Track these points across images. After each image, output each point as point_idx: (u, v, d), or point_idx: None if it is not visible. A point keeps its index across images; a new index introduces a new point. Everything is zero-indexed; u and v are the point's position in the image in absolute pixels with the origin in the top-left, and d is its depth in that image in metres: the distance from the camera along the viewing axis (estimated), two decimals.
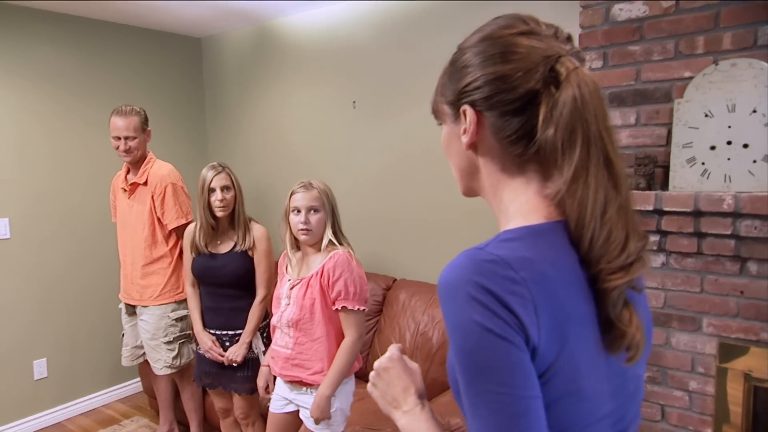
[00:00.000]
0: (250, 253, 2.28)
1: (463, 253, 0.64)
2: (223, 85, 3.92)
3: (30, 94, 3.05)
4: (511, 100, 0.69)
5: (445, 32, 2.78)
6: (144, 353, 2.74)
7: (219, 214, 2.22)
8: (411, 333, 2.71)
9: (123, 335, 2.82)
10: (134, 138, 2.55)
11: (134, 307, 2.71)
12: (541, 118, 0.67)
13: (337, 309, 1.83)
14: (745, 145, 1.64)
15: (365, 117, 3.18)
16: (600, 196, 0.65)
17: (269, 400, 2.04)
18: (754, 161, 1.63)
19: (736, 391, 1.80)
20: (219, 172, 2.24)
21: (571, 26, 2.20)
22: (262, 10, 3.30)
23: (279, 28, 3.52)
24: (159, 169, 2.62)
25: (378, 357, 2.74)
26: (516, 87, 0.68)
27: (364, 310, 1.84)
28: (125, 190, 2.64)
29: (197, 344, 2.35)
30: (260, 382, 2.08)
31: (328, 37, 3.28)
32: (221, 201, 2.20)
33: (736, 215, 1.62)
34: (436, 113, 0.82)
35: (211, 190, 2.21)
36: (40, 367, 3.13)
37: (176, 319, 2.64)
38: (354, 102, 3.20)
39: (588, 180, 0.65)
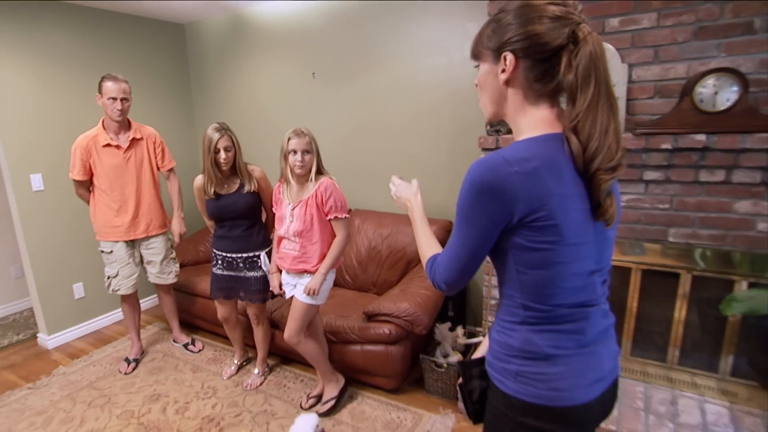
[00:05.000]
0: (255, 190, 2.62)
1: (489, 154, 0.83)
2: (206, 64, 4.29)
3: (45, 71, 3.35)
4: (543, 51, 0.85)
5: (384, 18, 3.17)
6: (137, 278, 3.10)
7: (224, 168, 2.53)
8: (365, 248, 3.39)
9: (116, 274, 2.99)
10: (127, 100, 2.79)
11: (133, 242, 3.03)
12: (563, 65, 0.84)
13: (330, 219, 2.32)
14: None
15: (323, 85, 3.60)
16: (604, 120, 0.82)
17: (283, 294, 2.56)
18: None
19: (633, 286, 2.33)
20: (222, 135, 2.46)
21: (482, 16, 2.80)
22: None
23: (251, 15, 3.86)
24: (146, 127, 3.01)
25: (342, 263, 3.52)
26: (548, 42, 0.84)
27: (347, 216, 2.36)
28: (118, 147, 2.86)
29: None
30: (275, 283, 2.56)
31: (291, 22, 3.64)
32: (225, 159, 2.49)
33: None
34: (477, 55, 0.97)
35: (216, 150, 2.47)
36: (78, 289, 3.66)
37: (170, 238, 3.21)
38: (314, 73, 3.61)
39: (598, 109, 0.82)
